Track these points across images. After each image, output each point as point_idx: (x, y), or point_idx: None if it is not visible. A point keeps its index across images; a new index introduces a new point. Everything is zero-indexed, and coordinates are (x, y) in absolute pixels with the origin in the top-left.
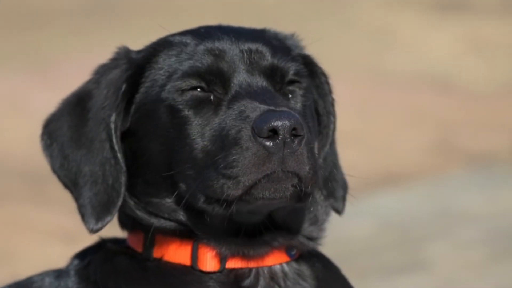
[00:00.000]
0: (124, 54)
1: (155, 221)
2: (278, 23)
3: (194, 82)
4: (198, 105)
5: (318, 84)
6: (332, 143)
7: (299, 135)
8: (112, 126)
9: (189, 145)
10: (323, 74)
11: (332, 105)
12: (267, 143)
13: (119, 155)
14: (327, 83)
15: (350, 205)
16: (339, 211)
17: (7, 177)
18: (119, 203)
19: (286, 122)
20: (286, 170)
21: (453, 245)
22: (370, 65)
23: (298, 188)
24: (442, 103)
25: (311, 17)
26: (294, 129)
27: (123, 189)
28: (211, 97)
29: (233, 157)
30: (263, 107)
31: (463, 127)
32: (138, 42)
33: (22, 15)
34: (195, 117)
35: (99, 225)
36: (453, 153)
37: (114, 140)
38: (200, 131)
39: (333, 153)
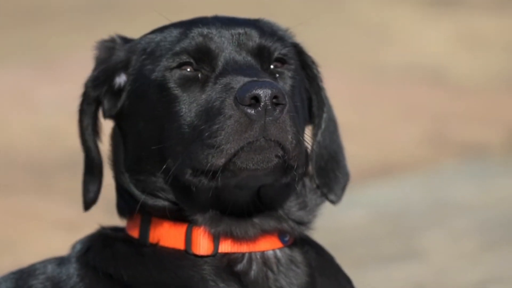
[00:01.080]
0: (120, 41)
1: (148, 199)
2: (277, 20)
3: (183, 58)
4: (186, 83)
5: (309, 74)
6: (333, 133)
7: (281, 104)
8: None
9: (177, 121)
10: (313, 63)
11: (323, 94)
12: (249, 110)
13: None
14: (318, 72)
15: (348, 195)
16: (333, 202)
17: (13, 168)
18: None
19: (268, 90)
20: (268, 138)
21: (446, 234)
22: (365, 59)
23: (282, 159)
24: (436, 97)
25: (308, 14)
26: (275, 97)
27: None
28: (199, 75)
29: (216, 126)
30: (247, 79)
31: (456, 119)
32: None
33: (28, 11)
34: (182, 94)
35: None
36: (446, 145)
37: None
38: (187, 108)
39: (333, 143)
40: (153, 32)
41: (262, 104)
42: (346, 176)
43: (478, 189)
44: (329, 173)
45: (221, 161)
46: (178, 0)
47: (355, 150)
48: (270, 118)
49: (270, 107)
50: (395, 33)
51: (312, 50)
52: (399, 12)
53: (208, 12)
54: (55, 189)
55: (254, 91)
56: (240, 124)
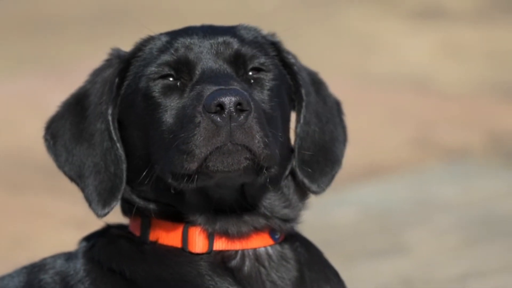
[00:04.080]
0: (116, 54)
1: (149, 205)
2: (272, 30)
3: (165, 70)
4: (168, 91)
5: (288, 71)
6: (325, 125)
7: (245, 110)
8: (110, 118)
9: (159, 128)
10: (289, 53)
11: (301, 89)
12: (215, 117)
13: (118, 144)
14: (296, 67)
15: (339, 194)
16: (315, 192)
17: (26, 170)
18: (122, 188)
19: (232, 98)
20: (235, 142)
21: (430, 231)
22: (354, 68)
23: (252, 161)
24: (421, 103)
25: (302, 24)
26: (239, 104)
27: (124, 175)
28: (178, 84)
29: (188, 133)
30: (215, 87)
31: (440, 124)
32: None
33: (40, 22)
34: (164, 102)
35: (106, 210)
36: (431, 148)
37: (113, 131)
38: (167, 114)
39: (323, 134)
40: (145, 40)
41: (227, 111)
42: (333, 166)
43: (461, 189)
44: (313, 165)
45: (194, 165)
46: (181, 12)
47: (346, 152)
48: (235, 124)
49: (234, 113)
50: (382, 43)
51: (304, 58)
52: (386, 24)
53: (209, 22)
54: (65, 188)
55: (218, 99)
56: (208, 131)
